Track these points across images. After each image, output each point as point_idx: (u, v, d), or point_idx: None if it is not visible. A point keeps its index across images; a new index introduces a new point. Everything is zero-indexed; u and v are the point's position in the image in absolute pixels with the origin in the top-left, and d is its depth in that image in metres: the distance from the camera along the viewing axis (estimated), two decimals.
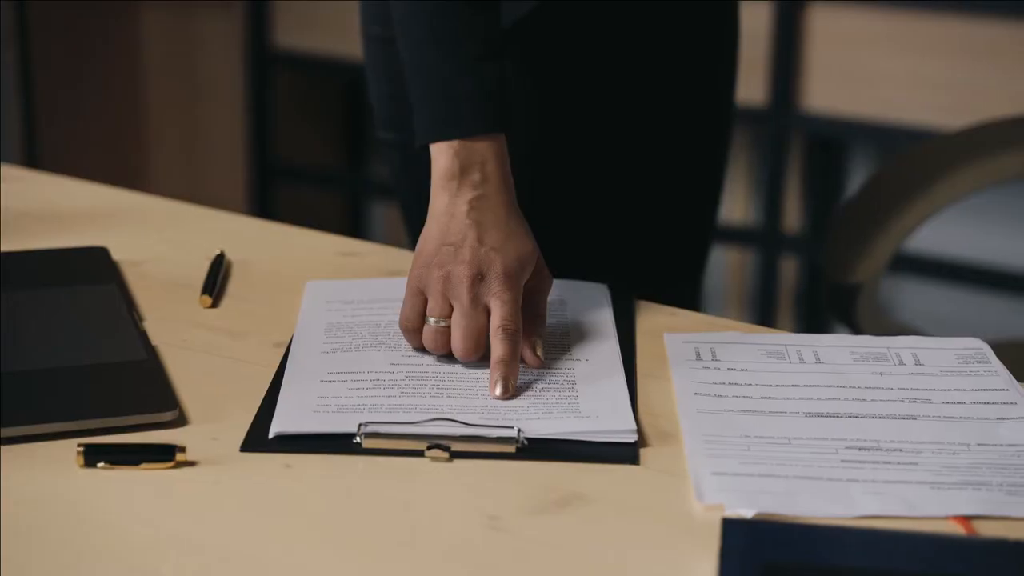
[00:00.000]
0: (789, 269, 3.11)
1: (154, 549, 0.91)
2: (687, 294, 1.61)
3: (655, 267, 1.56)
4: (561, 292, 1.28)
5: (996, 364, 1.17)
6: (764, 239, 3.03)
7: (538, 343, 1.17)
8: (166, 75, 3.59)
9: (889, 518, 0.94)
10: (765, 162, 3.00)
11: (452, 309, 1.15)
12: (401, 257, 1.39)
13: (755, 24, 2.86)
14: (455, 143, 1.18)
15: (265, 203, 3.53)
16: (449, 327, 1.15)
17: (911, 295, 3.12)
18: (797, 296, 3.14)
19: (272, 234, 1.44)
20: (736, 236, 3.11)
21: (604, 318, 1.24)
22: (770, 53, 2.87)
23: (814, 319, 3.16)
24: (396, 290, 1.27)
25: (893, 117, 2.81)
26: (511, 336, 1.13)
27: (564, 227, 1.51)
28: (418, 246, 1.18)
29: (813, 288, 3.11)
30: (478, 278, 1.15)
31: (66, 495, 0.96)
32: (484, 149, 1.19)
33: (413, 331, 1.17)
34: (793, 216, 3.08)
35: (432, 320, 1.15)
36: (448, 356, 1.16)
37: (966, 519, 0.94)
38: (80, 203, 1.51)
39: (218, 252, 1.34)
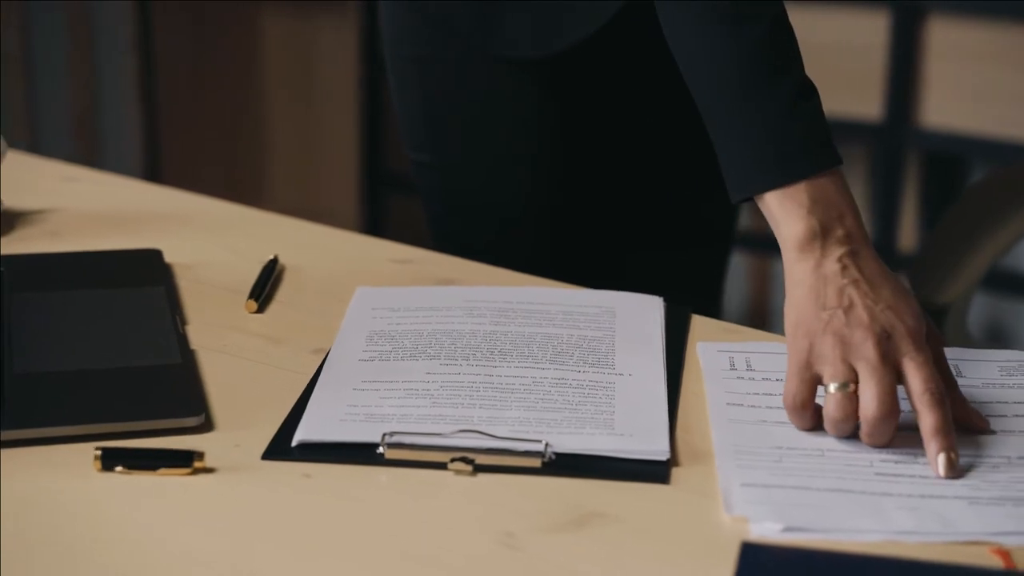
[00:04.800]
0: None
1: (163, 555, 0.89)
2: (709, 302, 1.61)
3: (676, 274, 1.54)
4: (613, 304, 1.24)
5: None
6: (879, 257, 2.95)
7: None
8: (283, 82, 3.60)
9: (923, 544, 0.90)
10: (880, 179, 2.92)
11: (855, 375, 1.01)
12: (456, 265, 1.36)
13: (872, 37, 2.80)
14: (806, 203, 1.06)
15: (376, 213, 3.53)
16: (856, 392, 1.01)
17: (1015, 315, 3.03)
18: None
19: (329, 240, 1.42)
20: None
21: (653, 332, 1.20)
22: (887, 66, 2.80)
23: None
24: (444, 298, 1.25)
25: (1015, 134, 2.73)
26: (940, 400, 0.99)
27: (591, 240, 1.53)
28: (791, 319, 1.05)
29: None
30: (884, 336, 1.01)
31: (82, 499, 0.95)
32: (837, 200, 1.08)
33: (801, 408, 1.03)
34: (910, 234, 3.00)
35: (834, 386, 1.01)
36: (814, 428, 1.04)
37: (1006, 552, 0.89)
38: (140, 205, 1.50)
39: (271, 257, 1.32)
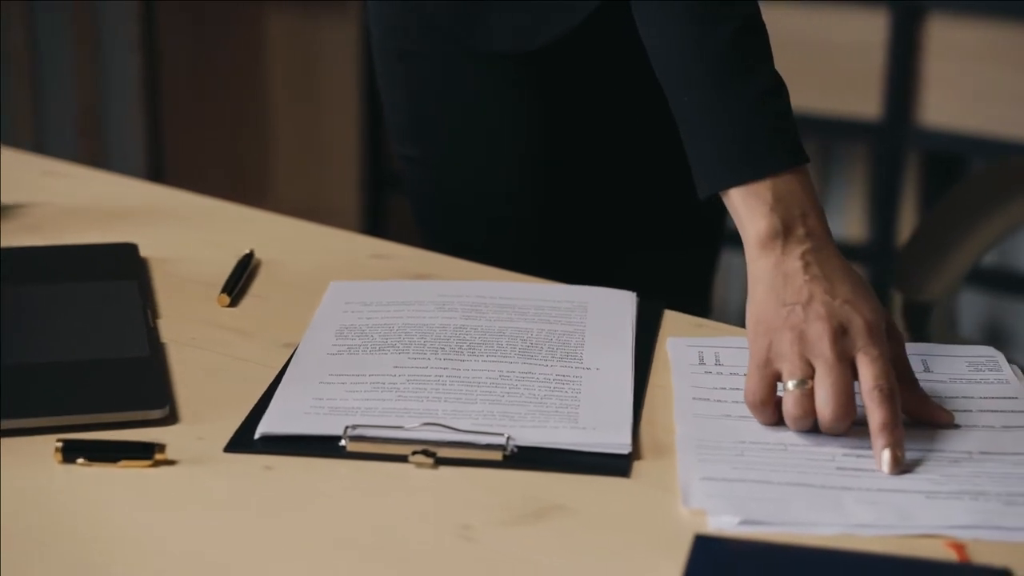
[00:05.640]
0: None
1: (122, 546, 0.89)
2: (699, 301, 1.60)
3: (664, 275, 1.54)
4: (585, 298, 1.24)
5: (1008, 372, 1.12)
6: (878, 256, 2.95)
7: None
8: (286, 82, 3.61)
9: (879, 537, 0.90)
10: (880, 178, 2.92)
11: (812, 372, 1.02)
12: (432, 261, 1.36)
13: (871, 36, 2.79)
14: (769, 201, 1.07)
15: (378, 211, 3.53)
16: (813, 389, 1.02)
17: (1015, 315, 3.02)
18: None
19: (308, 235, 1.42)
20: (848, 253, 3.02)
21: (624, 327, 1.19)
22: (886, 66, 2.80)
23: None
24: (417, 293, 1.25)
25: (1015, 133, 2.72)
26: (889, 396, 0.99)
27: (580, 239, 1.52)
28: (752, 315, 1.06)
29: None
30: (840, 332, 1.02)
31: (43, 491, 0.95)
32: (801, 199, 1.07)
33: (762, 404, 1.03)
34: (909, 234, 2.99)
35: (792, 384, 1.01)
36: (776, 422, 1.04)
37: (960, 545, 0.88)
38: (121, 200, 1.50)
39: (247, 251, 1.32)
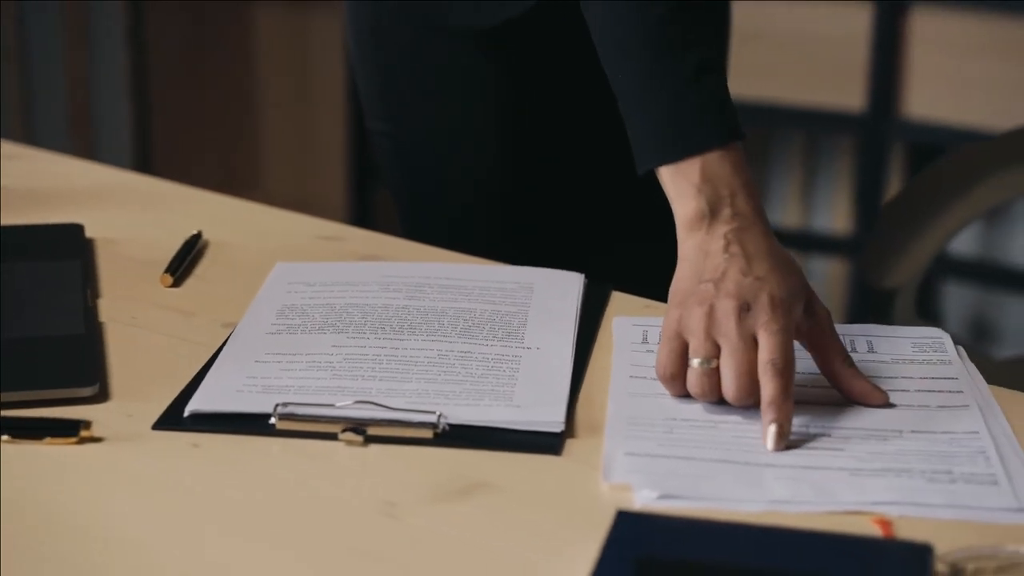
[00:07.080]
0: None
1: (42, 523, 0.89)
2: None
3: (634, 261, 1.52)
4: (532, 279, 1.23)
5: (952, 354, 1.10)
6: (863, 248, 2.94)
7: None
8: (276, 77, 3.60)
9: (806, 514, 0.89)
10: (865, 170, 2.90)
11: (718, 349, 1.02)
12: (383, 243, 1.35)
13: (855, 28, 2.78)
14: (696, 181, 1.06)
15: (365, 204, 3.52)
16: (718, 368, 1.01)
17: (998, 308, 3.01)
18: None
19: (258, 217, 1.41)
20: (833, 245, 3.02)
21: (568, 307, 1.18)
22: (870, 58, 2.78)
23: None
24: (362, 274, 1.24)
25: (999, 125, 2.71)
26: (781, 371, 0.99)
27: (542, 223, 1.50)
28: (671, 289, 1.07)
29: None
30: (745, 309, 1.02)
31: None
32: (730, 179, 1.07)
33: (671, 378, 1.03)
34: None
35: (696, 362, 1.02)
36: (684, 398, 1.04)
37: (887, 521, 0.87)
38: (77, 182, 1.49)
39: (195, 232, 1.31)
